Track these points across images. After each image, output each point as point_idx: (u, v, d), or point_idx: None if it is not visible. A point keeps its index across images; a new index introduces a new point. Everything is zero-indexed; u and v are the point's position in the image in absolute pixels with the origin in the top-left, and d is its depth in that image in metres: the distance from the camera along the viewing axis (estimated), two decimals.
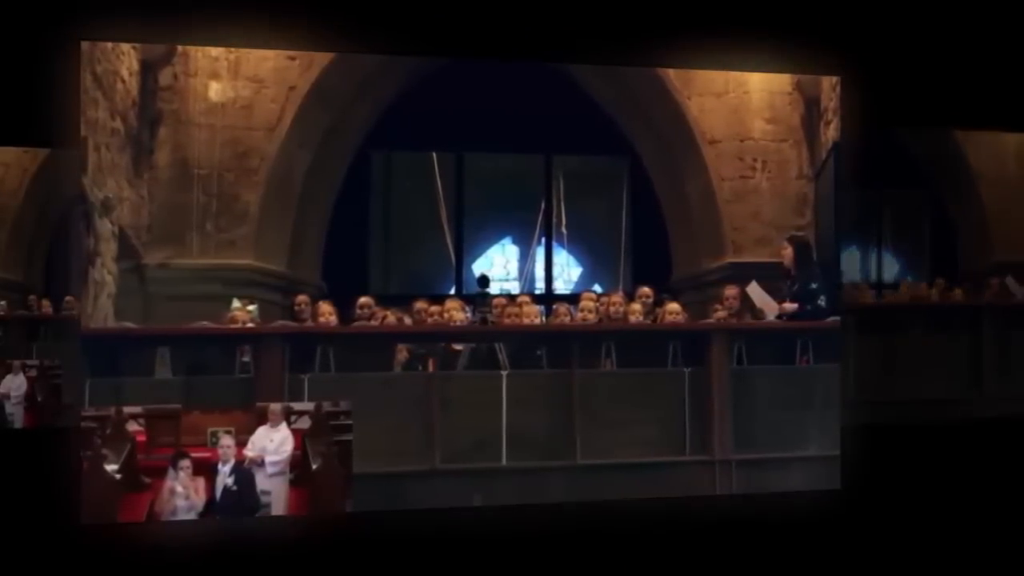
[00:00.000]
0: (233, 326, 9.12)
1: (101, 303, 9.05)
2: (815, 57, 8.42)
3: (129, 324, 9.19)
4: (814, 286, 9.07)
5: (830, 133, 10.49)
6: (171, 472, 7.31)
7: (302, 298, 9.65)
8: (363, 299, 9.49)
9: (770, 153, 11.57)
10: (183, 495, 7.37)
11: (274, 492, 7.53)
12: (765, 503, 7.95)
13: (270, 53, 10.70)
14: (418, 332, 9.33)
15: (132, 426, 7.37)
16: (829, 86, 10.38)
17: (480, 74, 10.68)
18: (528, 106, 11.34)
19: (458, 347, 9.13)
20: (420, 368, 9.00)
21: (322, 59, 10.93)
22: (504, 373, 8.62)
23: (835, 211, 8.40)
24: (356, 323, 9.24)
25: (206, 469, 7.41)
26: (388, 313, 9.48)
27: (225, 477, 7.43)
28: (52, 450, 6.97)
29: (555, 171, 13.23)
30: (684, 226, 12.32)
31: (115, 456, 7.25)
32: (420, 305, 9.53)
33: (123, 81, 9.91)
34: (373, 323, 9.32)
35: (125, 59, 9.95)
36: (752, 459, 8.28)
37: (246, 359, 8.43)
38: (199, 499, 7.37)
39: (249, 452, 7.47)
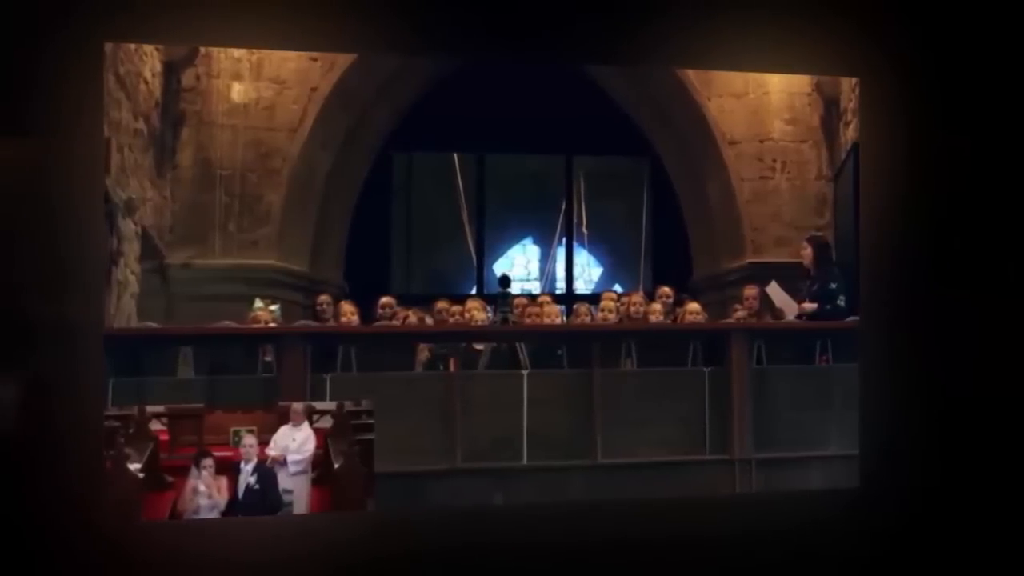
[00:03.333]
0: (256, 326, 9.15)
1: (124, 303, 9.09)
2: (835, 58, 8.31)
3: (152, 324, 9.24)
4: (833, 286, 8.95)
5: (849, 134, 10.58)
6: (194, 471, 7.18)
7: (324, 298, 9.67)
8: (385, 299, 9.43)
9: (789, 154, 11.64)
10: (206, 494, 7.25)
11: (296, 491, 7.43)
12: (784, 502, 7.96)
13: (292, 54, 10.77)
14: (440, 332, 9.29)
15: (155, 425, 7.25)
16: (848, 87, 10.57)
17: (501, 76, 10.82)
18: (548, 107, 11.53)
19: (479, 347, 9.10)
20: (441, 368, 9.01)
21: (344, 60, 11.00)
22: (525, 373, 8.53)
23: (855, 211, 8.33)
24: (378, 323, 9.21)
25: (229, 468, 7.26)
26: (410, 313, 9.45)
27: (247, 476, 7.31)
28: (74, 449, 6.98)
29: (575, 172, 13.41)
30: (704, 226, 12.41)
31: (138, 455, 7.14)
32: (441, 305, 9.49)
33: (146, 82, 9.96)
34: (395, 323, 9.29)
35: (148, 60, 10.02)
36: (772, 458, 8.24)
37: (268, 359, 8.41)
38: (222, 498, 7.27)
39: (271, 451, 7.32)
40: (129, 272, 9.26)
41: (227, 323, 9.04)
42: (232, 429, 7.36)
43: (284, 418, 7.38)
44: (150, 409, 7.18)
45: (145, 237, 9.64)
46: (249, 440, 7.30)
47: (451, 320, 9.23)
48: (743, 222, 11.58)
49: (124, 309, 9.14)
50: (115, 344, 7.79)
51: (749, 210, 11.58)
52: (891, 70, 6.93)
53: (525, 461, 7.98)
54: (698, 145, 12.07)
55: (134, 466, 7.03)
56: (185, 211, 10.69)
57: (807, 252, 9.25)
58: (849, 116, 10.71)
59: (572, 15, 7.22)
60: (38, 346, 6.33)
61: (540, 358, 9.00)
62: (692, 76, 11.60)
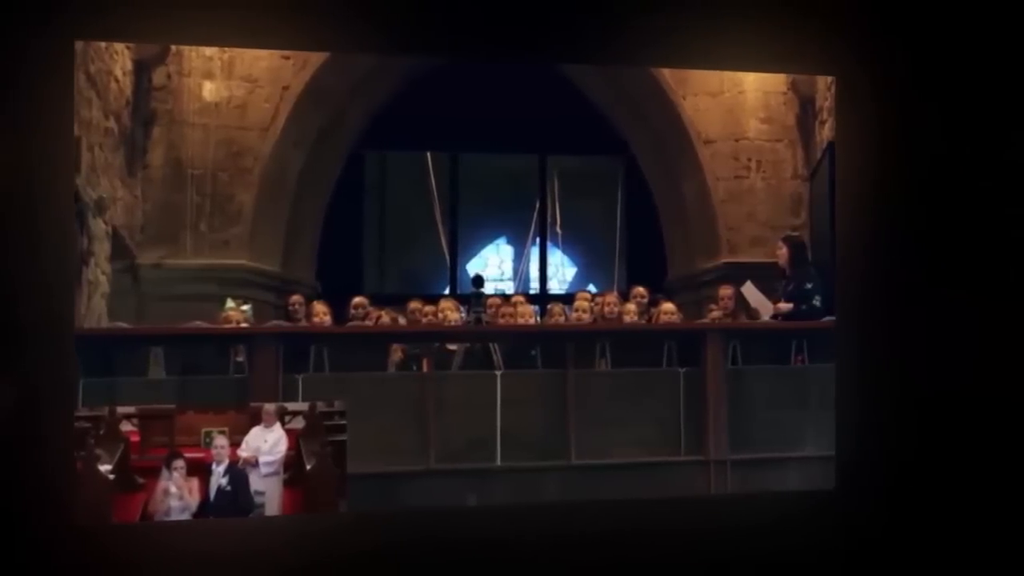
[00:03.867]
0: (227, 326, 9.11)
1: (95, 303, 9.07)
2: (811, 57, 8.29)
3: (123, 324, 9.19)
4: (809, 286, 8.98)
5: (825, 133, 10.61)
6: (165, 472, 7.13)
7: (296, 298, 9.67)
8: (357, 299, 9.44)
9: (765, 153, 11.65)
10: (177, 495, 7.20)
11: (268, 492, 7.34)
12: (758, 503, 7.98)
13: (264, 53, 10.75)
14: (413, 332, 9.30)
15: (126, 426, 7.18)
16: (824, 86, 10.60)
17: (475, 75, 10.87)
18: (523, 106, 11.55)
19: (453, 347, 9.10)
20: (415, 368, 9.03)
21: (316, 59, 10.96)
22: (499, 373, 8.51)
23: (831, 211, 8.37)
24: (350, 323, 9.21)
25: (200, 469, 7.21)
26: (383, 313, 9.46)
27: (219, 477, 7.25)
28: (45, 450, 6.96)
29: (550, 171, 13.41)
30: (679, 226, 12.40)
31: (109, 456, 7.08)
32: (415, 305, 9.49)
33: (117, 81, 9.93)
34: (367, 323, 9.29)
35: (119, 59, 9.99)
36: (747, 459, 8.22)
37: (240, 359, 8.40)
38: (193, 500, 7.21)
39: (243, 452, 7.26)
40: (100, 272, 9.22)
41: (198, 323, 9.03)
42: (203, 430, 7.28)
43: (256, 419, 7.30)
44: (121, 410, 7.12)
45: (116, 237, 9.61)
46: (220, 441, 7.22)
47: (424, 320, 9.21)
48: (718, 222, 11.57)
49: (95, 309, 9.13)
50: (86, 344, 7.80)
51: (724, 209, 11.57)
52: (867, 69, 6.93)
53: (499, 462, 7.95)
54: (673, 144, 12.07)
55: (104, 467, 6.98)
56: (156, 211, 10.66)
57: (783, 252, 9.27)
58: (825, 115, 10.75)
59: (548, 14, 7.21)
60: (7, 346, 6.32)
61: (514, 358, 8.99)
62: (667, 75, 11.59)
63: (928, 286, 6.96)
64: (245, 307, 9.54)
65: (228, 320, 9.36)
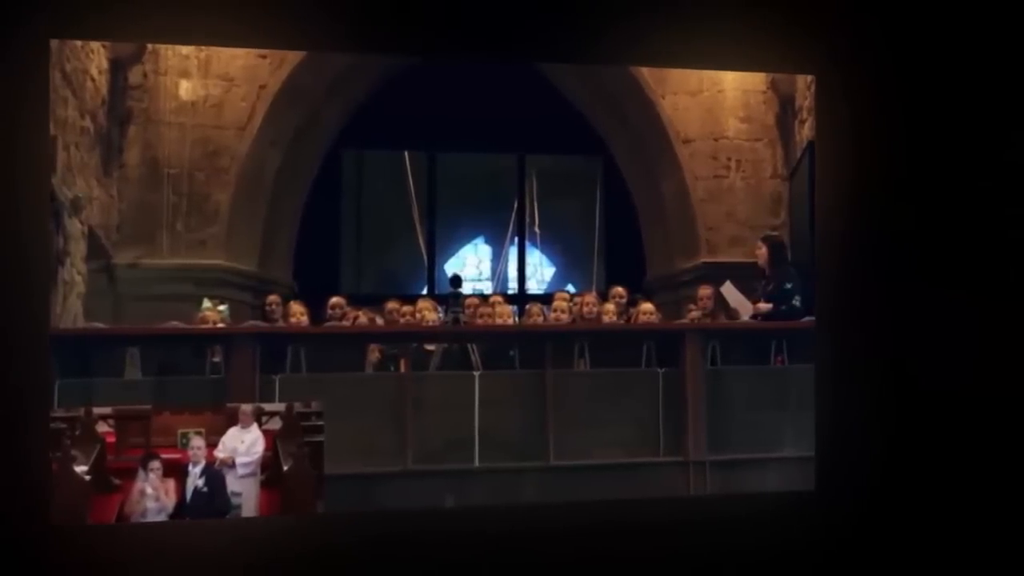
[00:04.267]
0: (203, 326, 9.10)
1: (70, 303, 9.04)
2: (790, 55, 8.28)
3: (98, 324, 9.17)
4: (789, 286, 8.96)
5: (805, 132, 10.59)
6: (141, 474, 7.09)
7: (273, 298, 9.63)
8: (335, 299, 9.40)
9: (744, 152, 11.66)
10: (153, 496, 7.15)
11: (245, 493, 7.33)
12: (736, 504, 7.97)
13: (240, 52, 10.74)
14: (390, 332, 9.26)
15: (102, 427, 7.14)
16: (804, 85, 10.59)
17: (453, 73, 10.94)
18: (501, 105, 11.56)
19: (430, 347, 9.04)
20: (392, 368, 8.98)
21: (293, 57, 10.94)
22: (477, 374, 8.53)
23: (810, 210, 8.36)
24: (328, 323, 9.20)
25: (176, 470, 7.18)
26: (360, 313, 9.45)
27: (195, 479, 7.21)
28: (20, 451, 6.94)
29: (528, 171, 13.43)
30: (658, 226, 12.41)
31: (84, 457, 7.05)
32: (392, 305, 9.47)
33: (92, 79, 9.91)
34: (345, 323, 9.27)
35: (94, 57, 9.98)
36: (726, 460, 8.20)
37: (217, 359, 8.35)
38: (169, 501, 7.16)
39: (220, 453, 7.22)
40: (75, 272, 9.21)
41: (175, 323, 8.93)
42: (180, 431, 7.26)
43: (233, 420, 7.29)
44: (97, 411, 7.11)
45: (91, 236, 9.59)
46: (197, 442, 7.20)
47: (402, 321, 9.19)
48: (697, 221, 11.57)
49: (70, 309, 9.11)
50: (61, 345, 7.81)
51: (703, 209, 11.57)
52: (846, 68, 6.94)
53: (477, 463, 7.94)
54: (652, 144, 12.07)
55: (80, 468, 6.96)
56: (132, 210, 10.64)
57: (762, 252, 9.22)
58: (804, 114, 10.74)
59: (526, 13, 7.20)
60: None
61: (492, 359, 9.01)
62: (646, 74, 11.59)
63: (907, 285, 6.98)
64: (222, 307, 9.53)
65: (205, 320, 9.33)
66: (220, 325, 9.22)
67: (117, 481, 7.10)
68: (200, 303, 9.55)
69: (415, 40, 7.36)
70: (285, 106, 11.19)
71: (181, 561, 6.71)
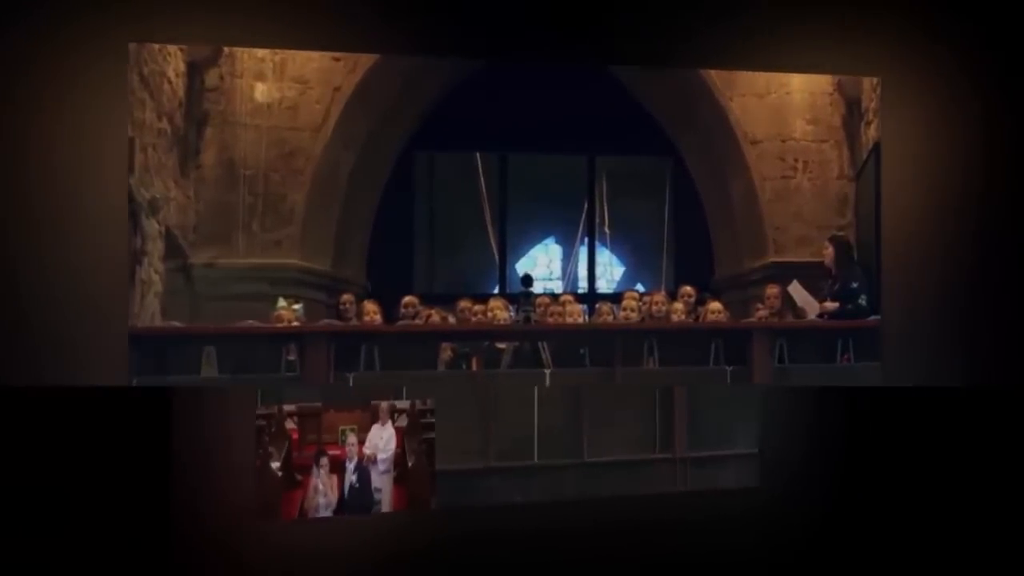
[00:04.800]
0: (279, 325, 9.15)
1: (148, 302, 9.11)
2: (856, 58, 8.31)
3: (176, 323, 9.27)
4: (855, 285, 8.96)
5: (871, 133, 10.50)
6: (315, 469, 7.35)
7: (347, 297, 9.69)
8: (408, 298, 9.42)
9: (811, 153, 11.63)
10: (322, 492, 7.42)
11: (383, 489, 7.54)
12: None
13: (315, 55, 10.82)
14: (462, 331, 9.31)
15: (288, 424, 7.40)
16: (870, 86, 10.52)
17: (523, 75, 10.91)
18: (571, 107, 11.71)
19: (502, 346, 9.19)
20: (464, 367, 9.10)
21: (366, 60, 11.02)
22: (547, 371, 8.66)
23: (876, 211, 8.33)
24: (401, 322, 9.24)
25: (337, 467, 7.44)
26: (433, 312, 9.50)
27: (350, 475, 7.45)
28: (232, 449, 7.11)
29: (598, 171, 13.48)
30: (726, 226, 12.45)
31: (277, 454, 7.33)
32: (464, 304, 9.49)
33: (170, 82, 10.02)
34: (418, 322, 9.32)
35: (172, 60, 10.08)
36: None
37: (292, 358, 8.44)
38: (334, 496, 7.44)
39: (367, 450, 7.46)
40: (153, 271, 9.26)
41: (251, 322, 9.01)
42: (340, 428, 7.46)
43: (375, 417, 7.50)
44: (285, 408, 7.34)
45: (169, 237, 9.68)
46: (352, 439, 7.42)
47: (473, 319, 9.24)
48: (765, 221, 11.57)
49: (148, 308, 9.14)
50: (139, 342, 7.80)
51: (771, 209, 11.57)
52: (912, 70, 6.98)
53: (536, 460, 7.98)
54: (721, 145, 12.07)
55: (274, 464, 7.24)
56: (209, 211, 10.74)
57: (829, 252, 9.26)
58: (870, 116, 10.65)
59: (596, 17, 7.28)
60: (63, 343, 6.42)
61: (562, 357, 9.03)
62: (715, 76, 11.61)
63: (972, 284, 6.99)
64: (297, 306, 9.60)
65: (280, 319, 9.39)
66: (295, 324, 9.25)
67: (299, 477, 7.33)
68: (275, 302, 9.61)
69: (484, 43, 7.54)
70: (358, 108, 11.24)
71: (346, 556, 7.19)
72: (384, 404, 7.52)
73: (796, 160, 11.67)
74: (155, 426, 6.54)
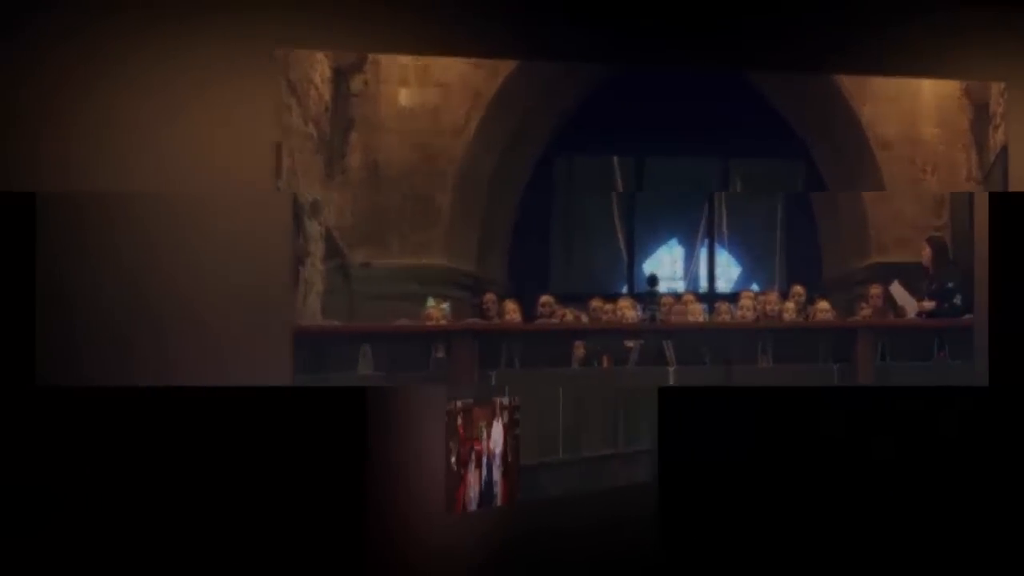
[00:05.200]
0: (428, 323, 10.66)
1: (310, 301, 10.54)
2: (983, 63, 9.58)
3: (335, 322, 10.69)
4: (951, 285, 10.40)
5: (999, 137, 11.80)
6: (470, 464, 8.43)
7: (489, 296, 11.19)
8: (544, 298, 10.91)
9: (940, 157, 13.05)
10: (473, 486, 8.50)
11: (498, 483, 8.69)
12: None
13: (455, 60, 12.20)
14: (594, 329, 10.73)
15: (458, 419, 8.41)
16: (997, 91, 11.75)
17: (660, 79, 12.37)
18: (705, 110, 13.13)
19: (630, 344, 10.56)
20: (595, 364, 10.51)
21: (506, 66, 12.45)
22: (671, 369, 10.04)
23: (969, 212, 10.17)
24: (538, 320, 10.60)
25: (479, 462, 8.53)
26: (567, 311, 10.91)
27: (484, 469, 8.56)
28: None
29: (732, 174, 15.08)
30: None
31: (453, 449, 8.37)
32: (596, 303, 11.00)
33: (316, 88, 11.31)
34: (553, 321, 10.69)
35: (318, 67, 11.40)
36: None
37: (440, 356, 9.92)
38: (478, 490, 8.53)
39: (492, 446, 8.62)
40: (315, 271, 10.84)
41: (403, 321, 10.63)
42: (481, 423, 8.63)
43: (494, 414, 8.77)
44: (459, 403, 8.48)
45: (328, 238, 11.29)
46: (485, 434, 8.63)
47: (604, 318, 10.68)
48: (868, 222, 13.31)
49: (310, 307, 10.57)
50: (301, 341, 9.09)
51: (874, 211, 13.29)
52: None
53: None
54: (852, 149, 13.53)
55: (452, 459, 8.38)
56: (362, 213, 12.16)
57: (926, 252, 10.82)
58: (998, 120, 11.84)
59: (732, 24, 8.96)
60: (232, 341, 8.07)
61: (685, 355, 10.39)
62: (846, 81, 13.03)
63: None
64: (444, 305, 11.17)
65: (429, 318, 10.83)
66: (442, 322, 10.69)
67: (462, 471, 8.45)
68: (425, 301, 11.15)
69: (624, 50, 9.03)
70: (498, 112, 12.67)
71: (517, 545, 8.51)
72: (496, 400, 8.73)
73: (925, 164, 13.04)
74: (351, 424, 7.43)
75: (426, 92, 12.48)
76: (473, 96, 12.67)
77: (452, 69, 12.53)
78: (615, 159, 14.92)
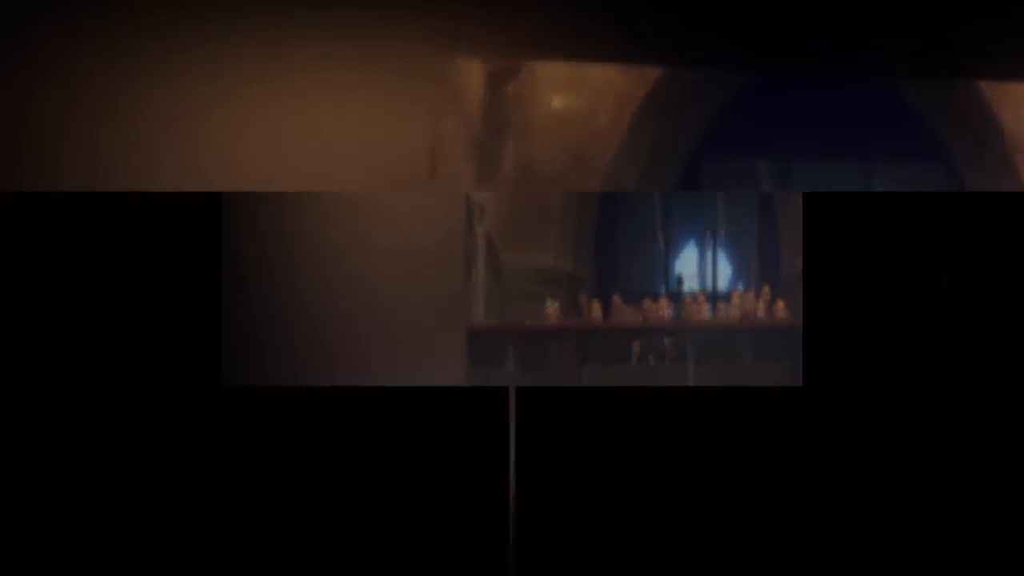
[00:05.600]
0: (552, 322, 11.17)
1: (476, 300, 11.33)
2: None
3: (493, 321, 11.50)
4: None
5: None
6: None
7: (583, 296, 12.16)
8: (616, 296, 11.75)
9: None
10: None
11: None
12: None
13: (605, 66, 12.37)
14: (657, 328, 11.49)
15: None
16: None
17: (803, 83, 12.61)
18: (847, 114, 13.42)
19: (667, 342, 11.18)
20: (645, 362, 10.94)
21: (652, 72, 12.74)
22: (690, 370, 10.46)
23: None
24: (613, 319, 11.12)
25: None
26: (630, 310, 11.72)
27: None
28: None
29: (871, 179, 14.92)
30: None
31: None
32: (647, 303, 11.86)
33: (470, 92, 11.64)
34: (624, 319, 11.35)
35: (473, 72, 11.67)
36: None
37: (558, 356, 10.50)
38: None
39: None
40: (477, 272, 11.50)
41: (548, 320, 11.36)
42: None
43: None
44: None
45: (489, 239, 11.85)
46: None
47: (652, 317, 11.36)
48: None
49: (474, 308, 11.14)
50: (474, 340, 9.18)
51: None
52: None
53: None
54: (992, 152, 13.69)
55: None
56: (514, 215, 12.65)
57: None
58: None
59: (877, 30, 9.43)
60: (406, 342, 8.16)
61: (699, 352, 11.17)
62: (984, 86, 13.18)
63: None
64: (556, 305, 11.70)
65: (548, 317, 11.53)
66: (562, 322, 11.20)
67: None
68: (544, 301, 11.75)
69: (768, 55, 9.68)
70: (646, 117, 12.99)
71: None
72: None
73: None
74: (495, 424, 7.31)
75: (576, 97, 12.74)
76: (621, 101, 13.02)
77: (601, 74, 12.72)
78: (761, 163, 15.17)
